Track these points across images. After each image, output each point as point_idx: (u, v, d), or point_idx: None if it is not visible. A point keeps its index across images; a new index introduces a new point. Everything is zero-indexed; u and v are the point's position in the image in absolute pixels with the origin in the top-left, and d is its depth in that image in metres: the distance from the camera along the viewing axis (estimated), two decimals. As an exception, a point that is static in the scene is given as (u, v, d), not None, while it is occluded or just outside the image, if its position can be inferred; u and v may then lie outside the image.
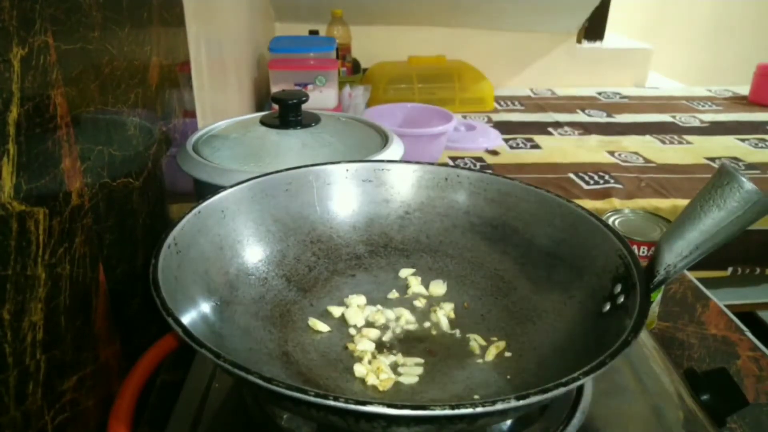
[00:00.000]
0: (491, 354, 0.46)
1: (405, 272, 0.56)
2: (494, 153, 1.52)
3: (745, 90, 2.08)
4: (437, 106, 1.45)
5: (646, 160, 1.50)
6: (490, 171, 1.22)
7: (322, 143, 0.69)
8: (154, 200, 0.61)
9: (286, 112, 0.70)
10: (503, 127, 1.69)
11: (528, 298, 0.52)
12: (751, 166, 1.48)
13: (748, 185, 0.38)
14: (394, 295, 0.54)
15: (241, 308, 0.49)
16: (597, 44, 2.23)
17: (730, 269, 1.32)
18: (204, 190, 0.56)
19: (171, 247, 0.44)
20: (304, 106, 0.71)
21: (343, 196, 0.58)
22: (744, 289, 1.38)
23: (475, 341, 0.48)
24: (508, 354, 0.47)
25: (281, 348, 0.47)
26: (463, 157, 1.47)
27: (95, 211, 0.46)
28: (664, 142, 1.64)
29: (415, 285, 0.55)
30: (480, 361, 0.46)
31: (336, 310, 0.51)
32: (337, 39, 1.61)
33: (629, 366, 0.49)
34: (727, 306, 0.76)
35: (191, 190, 0.69)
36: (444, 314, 0.51)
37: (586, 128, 1.73)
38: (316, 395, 0.31)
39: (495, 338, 0.48)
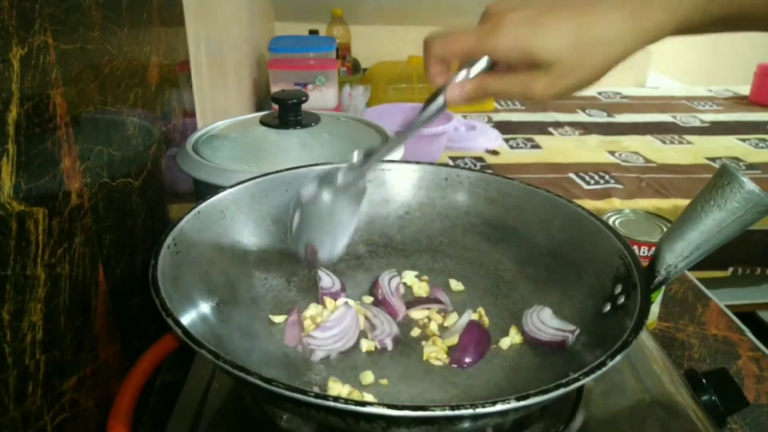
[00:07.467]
0: (505, 343, 0.48)
1: (407, 274, 0.56)
2: (494, 153, 1.51)
3: (745, 90, 2.07)
4: (437, 106, 1.44)
5: (647, 160, 1.50)
6: (490, 171, 1.22)
7: (322, 143, 0.69)
8: (154, 200, 0.61)
9: (286, 112, 0.70)
10: (503, 127, 1.69)
11: (528, 298, 0.52)
12: (751, 166, 1.48)
13: (749, 185, 0.38)
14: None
15: (241, 308, 0.49)
16: (597, 44, 2.23)
17: (730, 269, 1.32)
18: (204, 190, 0.56)
19: (170, 248, 0.44)
20: (303, 106, 0.71)
21: (343, 196, 0.58)
22: (744, 289, 1.38)
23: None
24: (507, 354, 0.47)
25: (281, 348, 0.47)
26: (463, 157, 1.47)
27: (95, 211, 0.46)
28: (664, 142, 1.64)
29: (417, 286, 0.55)
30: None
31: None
32: (337, 39, 1.61)
33: (629, 366, 0.49)
34: (727, 306, 0.76)
35: (191, 190, 0.68)
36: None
37: (587, 128, 1.73)
38: (316, 396, 0.31)
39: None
